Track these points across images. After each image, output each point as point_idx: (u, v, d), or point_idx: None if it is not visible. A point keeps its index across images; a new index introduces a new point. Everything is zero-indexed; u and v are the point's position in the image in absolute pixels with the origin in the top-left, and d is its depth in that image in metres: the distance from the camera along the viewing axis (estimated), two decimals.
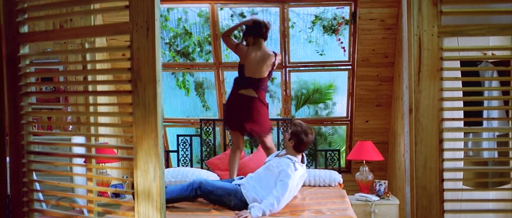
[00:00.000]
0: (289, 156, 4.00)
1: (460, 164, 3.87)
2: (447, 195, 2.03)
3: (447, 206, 2.02)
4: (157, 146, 1.95)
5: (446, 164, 2.02)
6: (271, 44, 5.79)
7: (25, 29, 2.31)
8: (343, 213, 3.65)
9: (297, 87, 6.36)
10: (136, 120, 1.99)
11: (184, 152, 5.51)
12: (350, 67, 5.63)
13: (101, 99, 4.52)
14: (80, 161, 4.03)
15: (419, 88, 2.00)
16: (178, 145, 5.49)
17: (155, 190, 1.95)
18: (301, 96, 6.49)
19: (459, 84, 3.30)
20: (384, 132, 5.69)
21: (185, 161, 5.51)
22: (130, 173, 4.68)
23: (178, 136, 5.55)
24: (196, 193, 3.90)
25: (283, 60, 5.62)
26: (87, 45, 2.27)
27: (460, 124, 2.51)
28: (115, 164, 5.60)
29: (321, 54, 5.86)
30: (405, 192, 4.77)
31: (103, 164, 4.90)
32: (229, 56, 5.80)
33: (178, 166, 5.49)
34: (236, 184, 3.99)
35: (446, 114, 2.05)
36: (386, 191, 4.82)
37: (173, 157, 5.84)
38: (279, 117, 5.93)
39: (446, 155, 2.02)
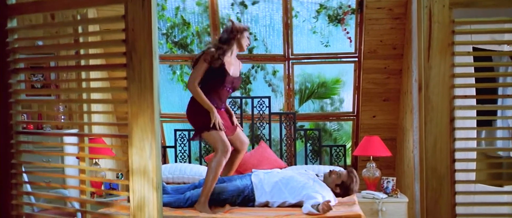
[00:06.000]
0: (329, 189, 3.97)
1: (473, 144, 3.73)
2: (458, 184, 1.93)
3: (458, 199, 1.93)
4: (153, 123, 1.91)
5: (458, 144, 1.94)
6: (274, 34, 5.60)
7: (12, 0, 2.20)
8: (350, 209, 3.62)
9: (301, 81, 6.17)
10: (131, 95, 1.94)
11: (182, 148, 5.35)
12: (356, 59, 5.45)
13: (93, 74, 4.39)
14: (74, 153, 3.91)
15: (429, 65, 1.92)
16: (175, 140, 5.33)
17: (151, 168, 1.92)
18: (305, 90, 6.31)
19: (470, 59, 3.18)
20: (392, 128, 5.53)
21: (183, 156, 5.35)
22: (125, 169, 4.40)
23: (175, 130, 5.37)
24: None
25: (286, 52, 5.43)
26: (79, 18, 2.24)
27: (473, 102, 2.51)
28: (109, 161, 5.43)
29: (326, 46, 5.67)
30: (414, 190, 4.60)
31: (97, 161, 4.76)
32: None
33: (176, 162, 5.33)
34: (244, 184, 3.90)
35: (458, 91, 1.97)
36: (394, 188, 4.66)
37: (170, 152, 5.65)
38: (281, 111, 5.74)
39: (458, 134, 1.94)
